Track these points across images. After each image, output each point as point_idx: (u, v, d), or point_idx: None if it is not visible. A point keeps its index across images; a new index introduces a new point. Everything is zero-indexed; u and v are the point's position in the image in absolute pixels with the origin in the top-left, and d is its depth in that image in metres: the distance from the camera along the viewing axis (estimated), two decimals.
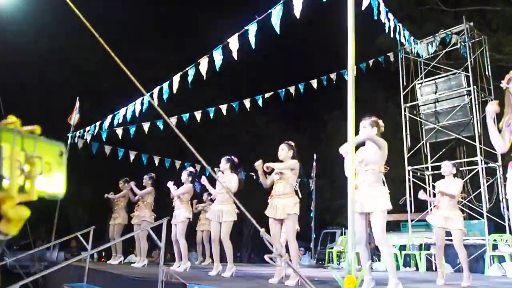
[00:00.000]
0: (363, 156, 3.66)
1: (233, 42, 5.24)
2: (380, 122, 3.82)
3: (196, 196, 7.86)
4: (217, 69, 5.52)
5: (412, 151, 10.63)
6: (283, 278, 4.14)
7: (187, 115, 8.50)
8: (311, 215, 12.79)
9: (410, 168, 10.36)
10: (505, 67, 11.98)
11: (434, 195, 5.40)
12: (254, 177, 11.55)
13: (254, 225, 2.77)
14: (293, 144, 4.43)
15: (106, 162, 10.61)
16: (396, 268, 3.88)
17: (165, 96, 6.35)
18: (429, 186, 10.12)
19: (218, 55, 5.47)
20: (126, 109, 7.23)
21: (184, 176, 6.51)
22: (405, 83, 10.94)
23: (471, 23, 10.40)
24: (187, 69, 5.95)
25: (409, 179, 10.25)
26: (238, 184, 5.14)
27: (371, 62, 9.30)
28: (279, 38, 5.45)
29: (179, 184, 6.59)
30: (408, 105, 10.82)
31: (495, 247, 8.00)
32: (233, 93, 11.80)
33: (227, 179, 5.17)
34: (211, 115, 8.62)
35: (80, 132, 8.74)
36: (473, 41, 10.26)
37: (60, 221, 8.50)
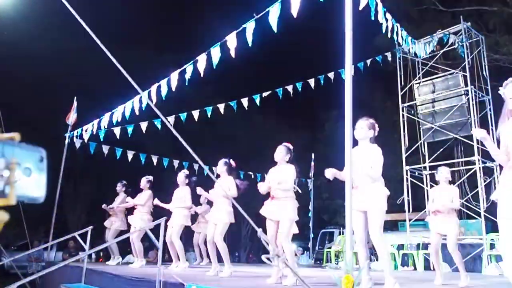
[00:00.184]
0: (360, 163, 3.66)
1: (231, 40, 5.23)
2: (376, 125, 3.83)
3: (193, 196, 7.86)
4: (214, 67, 5.52)
5: (410, 151, 10.65)
6: (281, 278, 4.14)
7: (185, 114, 8.50)
8: (309, 214, 12.80)
9: (408, 167, 10.38)
10: (502, 67, 12.03)
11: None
12: (252, 176, 11.57)
13: (252, 226, 2.78)
14: (291, 148, 4.40)
15: (104, 161, 10.59)
16: (394, 267, 3.89)
17: (163, 94, 6.34)
18: (427, 186, 10.14)
19: (216, 53, 5.46)
20: (124, 108, 7.21)
21: (181, 178, 6.49)
22: (402, 83, 10.95)
23: (469, 23, 10.43)
24: (184, 66, 5.95)
25: (407, 178, 10.27)
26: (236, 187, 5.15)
27: (369, 61, 9.32)
28: (277, 37, 5.45)
29: (177, 185, 6.59)
30: (405, 105, 10.84)
31: (492, 246, 8.03)
32: (230, 92, 11.80)
33: (223, 181, 5.18)
34: (209, 114, 8.62)
35: (78, 132, 8.72)
36: (470, 41, 10.28)
37: (57, 221, 8.47)
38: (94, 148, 8.90)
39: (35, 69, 15.20)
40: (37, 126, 15.80)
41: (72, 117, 8.80)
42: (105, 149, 9.10)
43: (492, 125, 9.36)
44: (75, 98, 8.96)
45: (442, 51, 10.72)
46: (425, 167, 10.58)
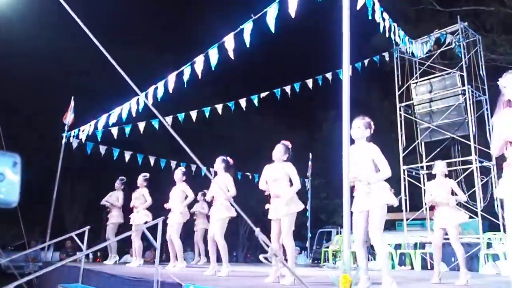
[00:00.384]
0: (359, 166, 3.67)
1: (229, 41, 5.23)
2: (372, 123, 3.84)
3: None
4: (213, 69, 5.51)
5: (407, 151, 10.68)
6: (279, 278, 4.14)
7: (183, 114, 8.49)
8: (307, 214, 12.80)
9: (405, 167, 10.40)
10: (499, 67, 12.06)
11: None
12: (250, 176, 11.57)
13: (249, 225, 2.77)
14: (290, 146, 4.41)
15: (101, 162, 10.56)
16: (391, 267, 3.90)
17: (159, 96, 6.32)
18: (424, 186, 10.16)
19: (213, 54, 5.45)
20: (122, 109, 7.20)
21: (178, 175, 6.53)
22: (400, 83, 10.98)
23: (466, 23, 10.46)
24: (182, 68, 5.94)
25: (404, 178, 10.29)
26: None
27: (366, 61, 9.33)
28: (275, 37, 5.45)
29: (174, 185, 6.59)
30: (403, 104, 10.86)
31: (489, 245, 8.06)
32: (228, 93, 11.80)
33: (221, 178, 5.21)
34: (207, 114, 8.61)
35: (75, 132, 8.70)
36: (467, 41, 10.31)
37: (55, 221, 8.46)
38: (91, 148, 8.89)
39: (32, 68, 15.15)
40: (34, 125, 15.77)
41: (69, 117, 8.78)
42: (102, 149, 9.08)
43: (489, 125, 9.39)
44: (73, 98, 8.94)
45: (439, 51, 10.76)
46: (422, 167, 10.61)
